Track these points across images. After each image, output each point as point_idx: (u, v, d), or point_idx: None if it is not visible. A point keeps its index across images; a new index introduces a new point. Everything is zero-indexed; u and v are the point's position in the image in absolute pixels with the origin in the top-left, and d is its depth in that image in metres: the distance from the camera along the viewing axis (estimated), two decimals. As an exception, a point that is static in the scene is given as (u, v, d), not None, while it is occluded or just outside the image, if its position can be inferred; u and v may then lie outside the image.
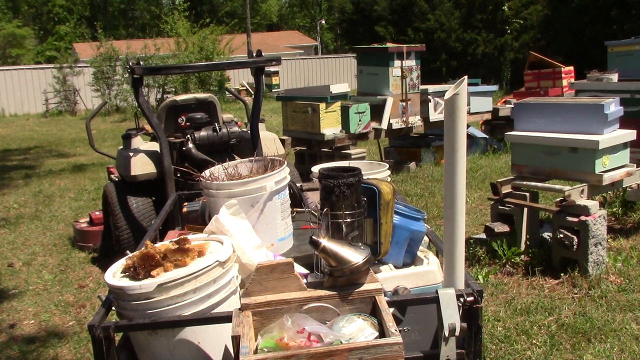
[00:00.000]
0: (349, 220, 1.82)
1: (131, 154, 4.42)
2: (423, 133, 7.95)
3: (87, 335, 3.41)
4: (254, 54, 4.39)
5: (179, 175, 4.28)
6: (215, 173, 2.33)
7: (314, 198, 2.61)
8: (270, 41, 33.49)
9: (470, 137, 8.02)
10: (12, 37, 33.47)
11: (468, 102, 7.31)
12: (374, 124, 6.99)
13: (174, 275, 1.64)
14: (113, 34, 29.19)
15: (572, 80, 8.03)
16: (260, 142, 4.51)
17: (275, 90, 19.63)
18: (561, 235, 3.85)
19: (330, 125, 6.56)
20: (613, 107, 4.04)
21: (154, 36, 20.68)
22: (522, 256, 4.16)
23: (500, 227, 4.16)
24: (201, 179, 2.28)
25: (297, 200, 2.66)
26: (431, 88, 7.48)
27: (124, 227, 4.36)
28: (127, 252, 1.88)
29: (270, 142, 4.77)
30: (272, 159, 2.34)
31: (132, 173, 4.36)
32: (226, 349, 1.72)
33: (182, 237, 1.83)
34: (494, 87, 8.95)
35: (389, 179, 2.53)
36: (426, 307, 1.79)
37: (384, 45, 7.65)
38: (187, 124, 4.55)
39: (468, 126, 7.70)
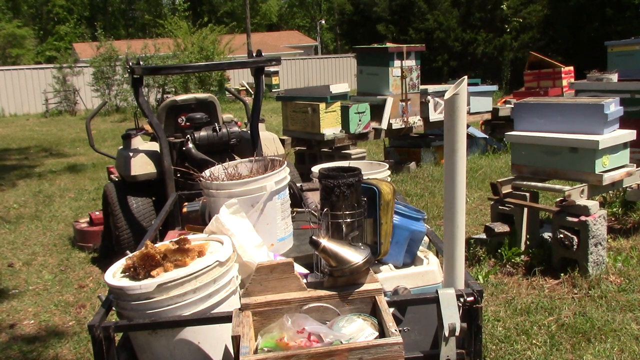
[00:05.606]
0: (349, 220, 1.82)
1: (131, 154, 4.42)
2: (423, 133, 7.95)
3: (87, 335, 3.41)
4: (254, 54, 4.39)
5: (179, 175, 4.28)
6: (215, 173, 2.33)
7: (314, 198, 2.61)
8: (270, 41, 33.48)
9: (470, 137, 8.02)
10: (12, 37, 33.46)
11: (468, 102, 7.31)
12: (374, 124, 6.99)
13: (174, 275, 1.64)
14: (113, 34, 29.20)
15: (572, 80, 8.03)
16: (260, 142, 4.51)
17: (275, 90, 19.62)
18: (561, 235, 3.85)
19: (330, 125, 6.56)
20: (613, 107, 4.04)
21: (154, 36, 20.68)
22: (522, 256, 4.16)
23: (500, 227, 4.16)
24: (201, 179, 2.28)
25: (297, 200, 2.66)
26: (431, 88, 7.47)
27: (124, 227, 4.36)
28: (127, 252, 1.88)
29: (270, 142, 4.77)
30: (272, 159, 2.34)
31: (132, 173, 4.36)
32: (226, 349, 1.71)
33: (182, 237, 1.83)
34: (494, 87, 8.94)
35: (389, 179, 2.53)
36: (426, 307, 1.79)
37: (383, 45, 7.64)
38: (187, 124, 4.55)
39: (468, 126, 7.70)
